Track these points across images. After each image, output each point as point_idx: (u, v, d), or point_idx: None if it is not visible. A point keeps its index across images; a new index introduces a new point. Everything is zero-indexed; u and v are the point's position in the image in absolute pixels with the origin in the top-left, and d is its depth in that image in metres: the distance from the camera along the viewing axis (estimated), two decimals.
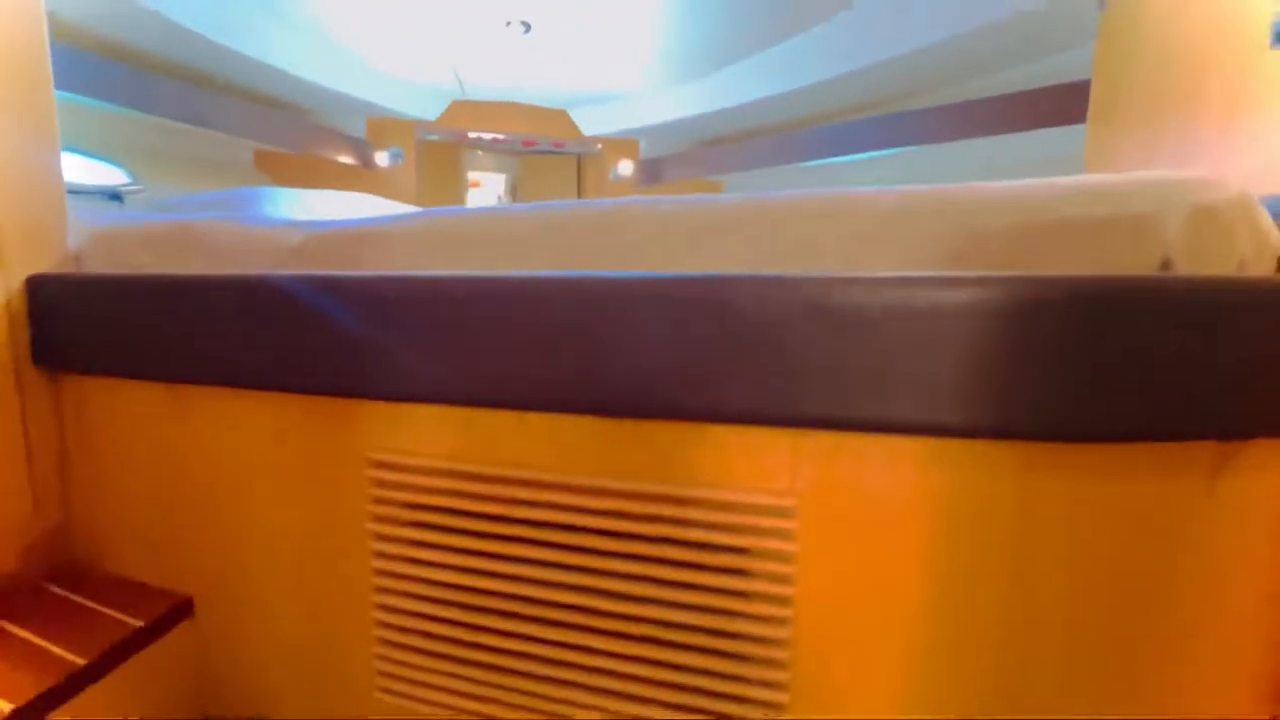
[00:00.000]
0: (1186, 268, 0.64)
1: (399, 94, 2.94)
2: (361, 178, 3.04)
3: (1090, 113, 1.86)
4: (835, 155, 2.62)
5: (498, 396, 0.70)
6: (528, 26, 2.50)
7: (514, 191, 5.97)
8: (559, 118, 3.39)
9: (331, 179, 2.91)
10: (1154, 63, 1.42)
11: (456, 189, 5.14)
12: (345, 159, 2.85)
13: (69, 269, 0.98)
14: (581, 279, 0.67)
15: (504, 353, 0.69)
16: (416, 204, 3.14)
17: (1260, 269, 0.68)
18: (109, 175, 1.85)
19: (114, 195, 1.84)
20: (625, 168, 3.47)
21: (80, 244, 1.00)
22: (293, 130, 2.53)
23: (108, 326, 0.88)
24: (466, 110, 3.20)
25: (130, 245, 0.98)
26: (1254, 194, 0.72)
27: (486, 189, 6.09)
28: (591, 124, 3.39)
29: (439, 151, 3.85)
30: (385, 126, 3.07)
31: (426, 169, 3.36)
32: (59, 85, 0.96)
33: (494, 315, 0.69)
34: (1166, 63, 1.35)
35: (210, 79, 2.32)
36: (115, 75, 1.76)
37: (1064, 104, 1.87)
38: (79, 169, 1.76)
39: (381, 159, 2.98)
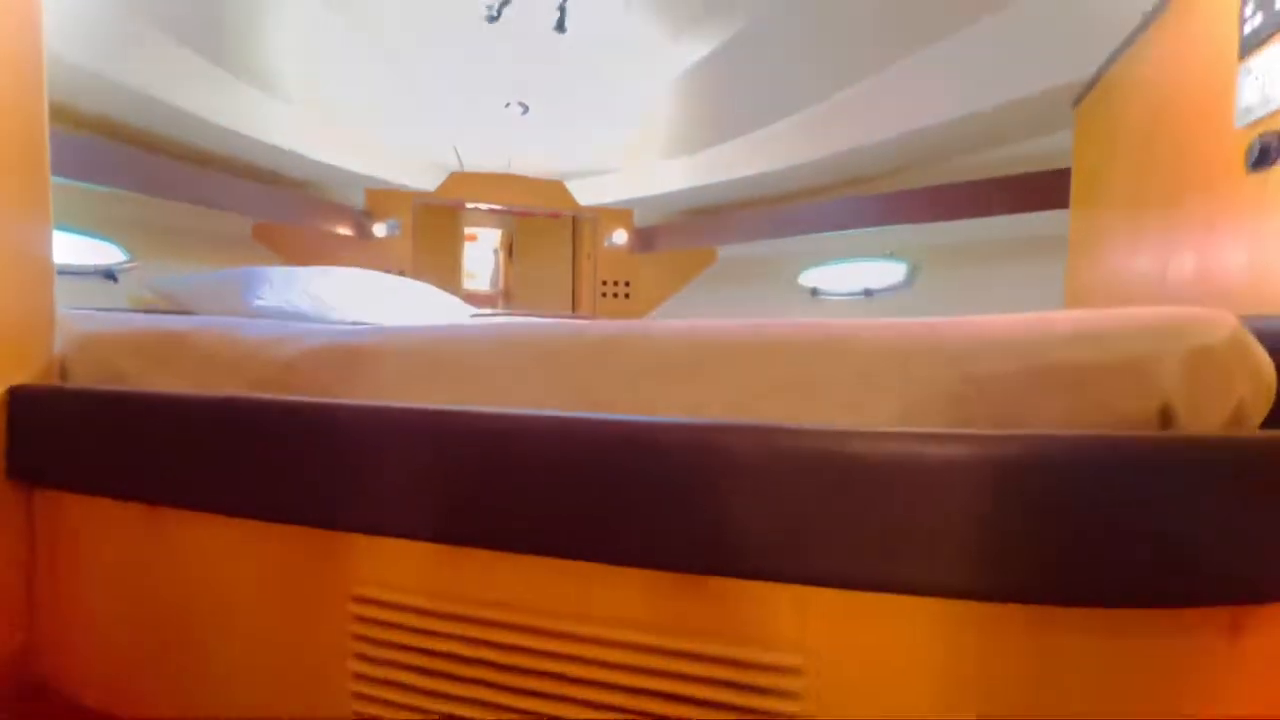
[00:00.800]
0: (1186, 413, 0.64)
1: (397, 167, 3.01)
2: (359, 247, 3.07)
3: (1072, 198, 1.92)
4: (824, 230, 2.69)
5: (488, 537, 0.68)
6: (526, 108, 2.60)
7: (510, 247, 6.06)
8: (555, 189, 3.48)
9: (330, 249, 2.95)
10: (1132, 163, 1.47)
11: (454, 246, 5.21)
12: (343, 230, 2.89)
13: (53, 377, 0.96)
14: (575, 421, 0.66)
15: (495, 492, 0.67)
16: (412, 270, 3.17)
17: (1257, 408, 0.68)
18: (103, 252, 1.85)
19: (108, 274, 1.83)
20: (620, 237, 3.54)
21: (66, 349, 0.99)
22: (291, 206, 2.56)
23: (87, 443, 0.86)
24: (464, 182, 3.28)
25: (118, 353, 0.96)
26: (1247, 329, 0.73)
27: (483, 243, 6.19)
28: (587, 193, 3.47)
29: (437, 209, 3.91)
30: (384, 198, 3.13)
31: (424, 226, 3.40)
32: (53, 170, 0.95)
33: (483, 453, 0.67)
34: (1145, 164, 1.40)
35: (209, 155, 2.36)
36: (110, 158, 1.77)
37: (1049, 189, 1.93)
38: (72, 248, 1.76)
39: (379, 230, 3.02)
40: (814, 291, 2.91)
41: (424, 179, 3.18)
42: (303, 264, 2.94)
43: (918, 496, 0.56)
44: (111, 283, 1.82)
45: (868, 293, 2.70)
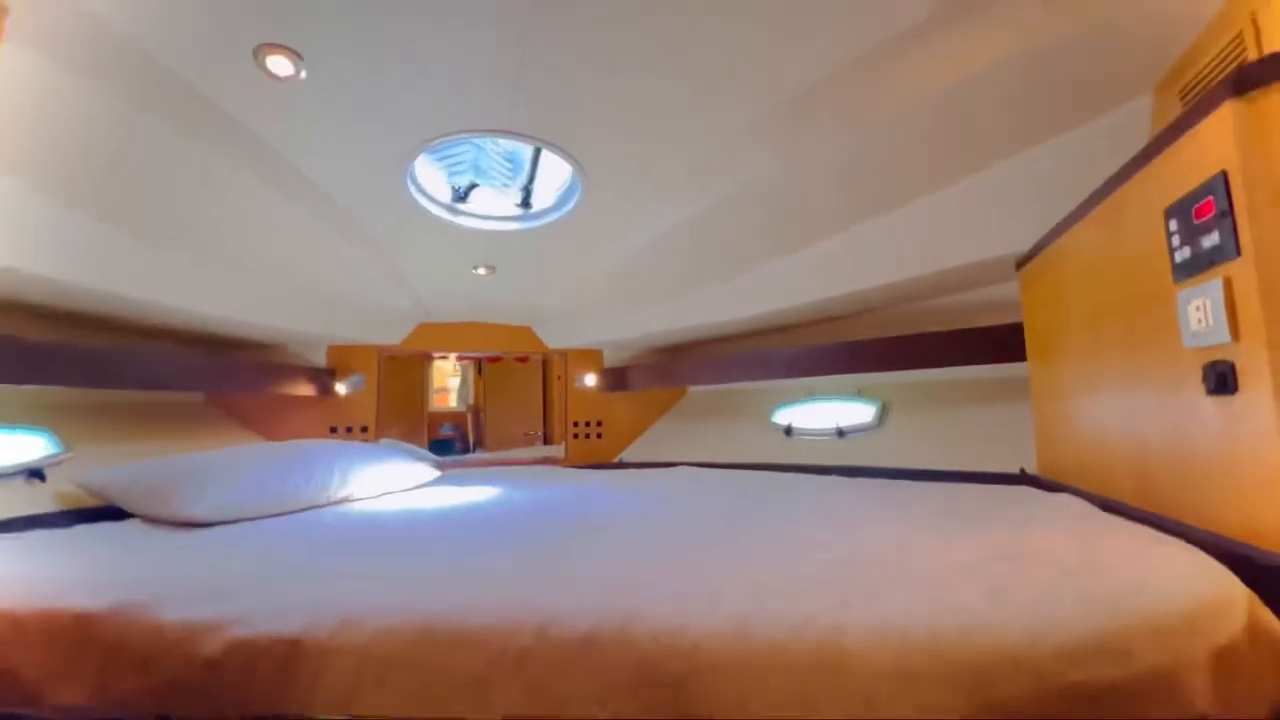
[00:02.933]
0: None
1: (361, 324, 2.99)
2: (321, 406, 2.97)
3: (1028, 353, 1.98)
4: (793, 375, 2.73)
5: None
6: (493, 269, 2.65)
7: (481, 367, 6.09)
8: (522, 333, 3.50)
9: (288, 410, 2.84)
10: (1084, 341, 1.52)
11: (421, 382, 5.19)
12: (304, 392, 2.80)
13: None
14: None
15: None
16: (375, 425, 3.07)
17: None
18: (31, 445, 1.71)
19: (35, 473, 1.68)
20: (590, 379, 3.54)
21: None
22: (248, 375, 2.47)
23: None
24: (431, 332, 3.27)
25: (13, 646, 0.83)
26: (1267, 610, 0.70)
27: (451, 358, 6.20)
28: (555, 337, 3.51)
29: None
30: (347, 353, 3.08)
31: (390, 367, 3.33)
32: None
33: None
34: (1097, 347, 1.44)
35: (161, 330, 2.29)
36: (45, 356, 1.64)
37: (1008, 342, 2.01)
38: None
39: (341, 388, 2.95)
40: (788, 430, 2.90)
41: (389, 333, 3.16)
42: (261, 428, 2.82)
43: None
44: (39, 482, 1.66)
45: (840, 433, 2.70)
